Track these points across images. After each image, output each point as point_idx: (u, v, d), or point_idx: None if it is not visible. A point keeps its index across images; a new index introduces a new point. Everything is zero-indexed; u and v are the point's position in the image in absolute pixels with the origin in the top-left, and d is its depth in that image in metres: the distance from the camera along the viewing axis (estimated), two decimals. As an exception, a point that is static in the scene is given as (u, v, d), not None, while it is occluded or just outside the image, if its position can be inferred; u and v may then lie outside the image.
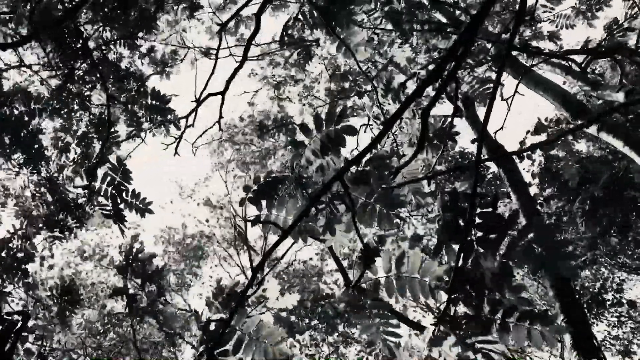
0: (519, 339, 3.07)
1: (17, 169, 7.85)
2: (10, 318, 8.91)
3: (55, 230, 6.92)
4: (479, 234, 3.32)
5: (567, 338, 7.16)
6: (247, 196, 3.63)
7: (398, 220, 3.21)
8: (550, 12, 10.71)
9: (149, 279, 4.95)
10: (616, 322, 14.68)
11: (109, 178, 4.78)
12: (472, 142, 10.36)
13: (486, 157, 9.92)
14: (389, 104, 5.61)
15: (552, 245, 3.03)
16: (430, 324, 3.61)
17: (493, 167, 15.29)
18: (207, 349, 3.69)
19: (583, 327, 7.17)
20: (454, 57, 3.67)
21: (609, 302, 14.30)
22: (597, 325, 14.48)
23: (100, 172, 5.30)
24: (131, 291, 5.13)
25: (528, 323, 3.01)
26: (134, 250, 5.17)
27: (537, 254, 3.02)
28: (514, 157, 10.72)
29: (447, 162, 15.21)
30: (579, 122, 9.33)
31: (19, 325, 8.91)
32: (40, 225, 7.22)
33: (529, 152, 13.07)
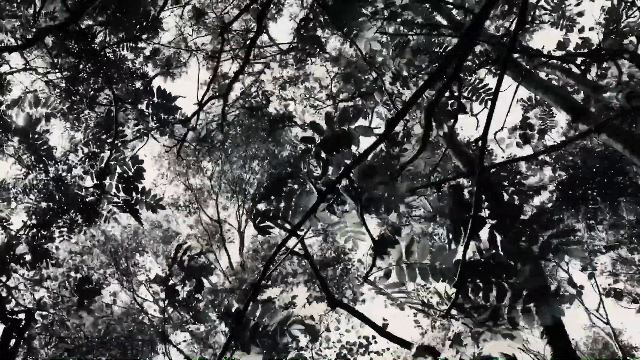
0: (529, 320, 3.10)
1: (26, 171, 7.96)
2: (14, 317, 8.99)
3: (64, 227, 7.02)
4: (491, 223, 3.40)
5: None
6: (260, 193, 3.67)
7: (405, 210, 3.30)
8: (550, 15, 10.82)
9: (192, 274, 5.04)
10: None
11: (116, 176, 4.88)
12: (475, 142, 10.44)
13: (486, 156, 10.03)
14: (397, 90, 5.70)
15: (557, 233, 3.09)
16: (440, 315, 3.71)
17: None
18: (228, 340, 3.73)
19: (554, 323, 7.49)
20: (457, 56, 3.76)
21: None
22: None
23: (111, 171, 5.38)
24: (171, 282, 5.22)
25: (535, 304, 3.04)
26: (185, 246, 5.26)
27: (543, 242, 3.09)
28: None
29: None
30: (580, 125, 9.40)
31: (22, 324, 8.99)
32: (49, 221, 7.33)
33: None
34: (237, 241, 23.00)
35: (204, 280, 4.97)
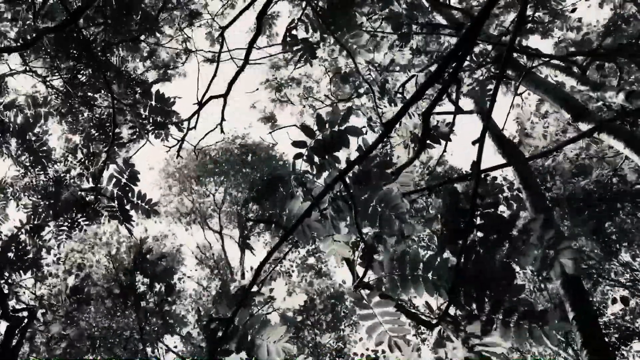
0: (520, 338, 3.06)
1: (24, 171, 7.97)
2: (17, 315, 9.03)
3: (63, 226, 7.03)
4: (480, 234, 3.36)
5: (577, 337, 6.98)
6: (251, 195, 3.66)
7: (398, 221, 3.25)
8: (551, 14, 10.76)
9: (157, 279, 4.95)
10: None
11: (114, 180, 4.85)
12: (473, 143, 10.35)
13: (486, 162, 9.98)
14: (385, 106, 5.67)
15: (555, 242, 3.05)
16: (432, 324, 3.67)
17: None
18: (209, 348, 3.72)
19: (593, 325, 7.00)
20: (456, 58, 3.71)
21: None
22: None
23: (106, 174, 5.36)
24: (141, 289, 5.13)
25: (528, 322, 2.99)
26: (143, 250, 5.17)
27: (540, 252, 3.04)
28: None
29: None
30: (580, 124, 9.34)
31: (25, 322, 9.03)
32: (48, 219, 7.35)
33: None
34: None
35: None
